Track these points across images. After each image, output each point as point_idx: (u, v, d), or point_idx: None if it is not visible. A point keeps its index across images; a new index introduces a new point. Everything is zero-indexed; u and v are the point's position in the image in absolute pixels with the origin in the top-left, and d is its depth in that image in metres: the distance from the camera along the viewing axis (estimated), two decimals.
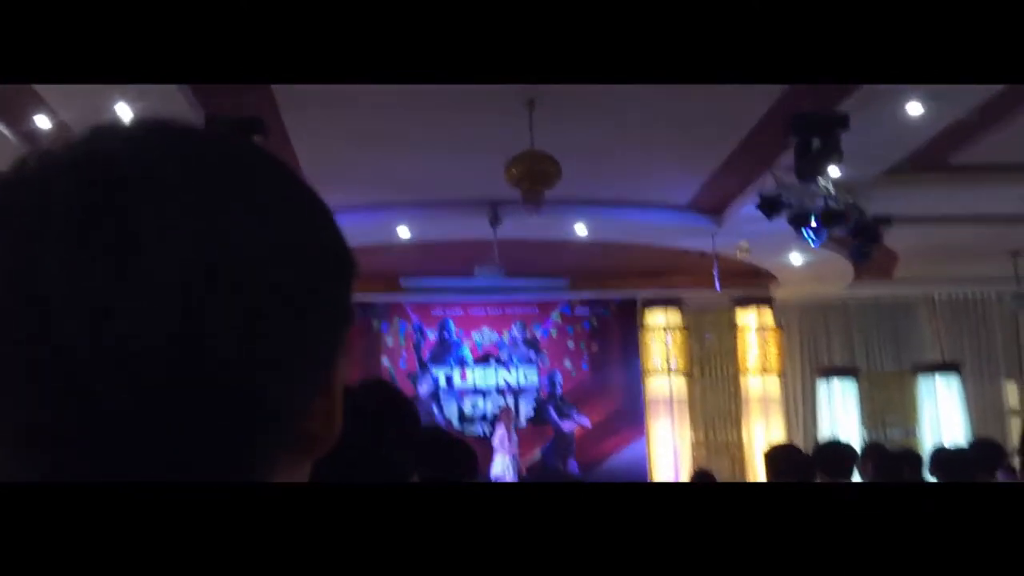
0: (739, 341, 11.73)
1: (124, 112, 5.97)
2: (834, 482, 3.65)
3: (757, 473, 10.69)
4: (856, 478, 4.11)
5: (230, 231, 0.47)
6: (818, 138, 6.25)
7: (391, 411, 1.33)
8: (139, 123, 0.51)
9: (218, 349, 0.45)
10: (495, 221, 8.56)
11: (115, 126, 0.50)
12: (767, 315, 11.70)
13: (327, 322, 0.51)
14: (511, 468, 10.02)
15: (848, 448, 4.03)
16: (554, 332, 11.98)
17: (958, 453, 5.19)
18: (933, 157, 7.55)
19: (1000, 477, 5.19)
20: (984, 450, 4.51)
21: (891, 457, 4.84)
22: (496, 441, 10.44)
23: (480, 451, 4.92)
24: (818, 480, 3.85)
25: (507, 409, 10.96)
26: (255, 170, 0.51)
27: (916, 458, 4.85)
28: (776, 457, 4.24)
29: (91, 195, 0.46)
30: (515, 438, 10.49)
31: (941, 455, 5.39)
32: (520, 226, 8.47)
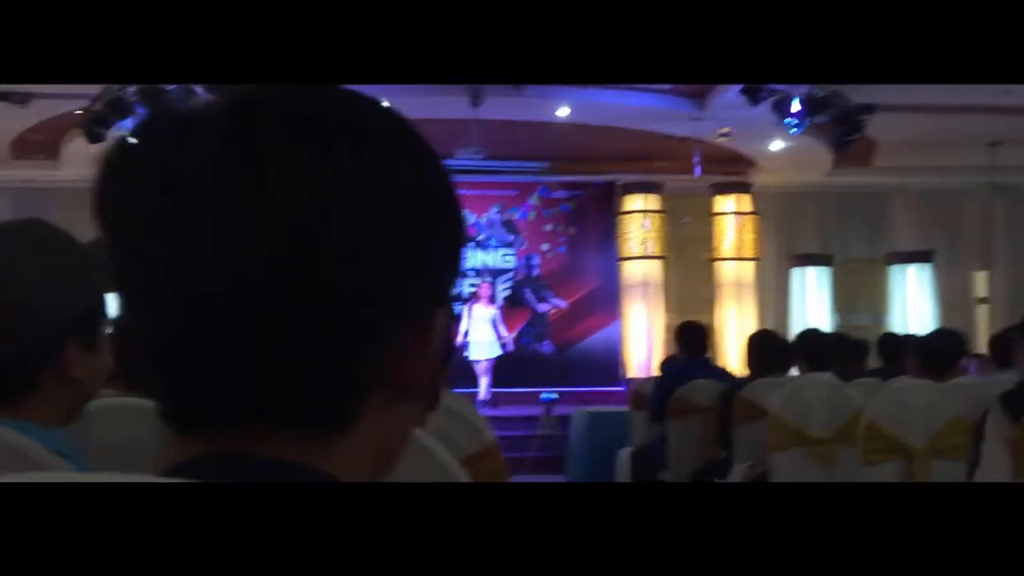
0: (716, 227, 11.77)
1: None
2: (812, 370, 3.74)
3: (728, 357, 10.89)
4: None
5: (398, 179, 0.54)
6: None
7: None
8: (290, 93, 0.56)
9: (335, 272, 0.50)
10: (476, 101, 8.46)
11: (261, 94, 0.56)
12: (745, 201, 11.72)
13: (429, 268, 0.54)
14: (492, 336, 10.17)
15: (829, 337, 4.12)
16: (532, 215, 11.98)
17: (926, 339, 5.33)
18: None
19: (964, 363, 5.33)
20: (950, 338, 4.64)
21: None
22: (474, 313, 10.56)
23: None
24: (796, 368, 3.95)
25: (482, 284, 11.06)
26: (401, 122, 0.58)
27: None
28: (759, 343, 4.35)
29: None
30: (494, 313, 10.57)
31: (911, 342, 5.54)
32: (501, 107, 8.38)
